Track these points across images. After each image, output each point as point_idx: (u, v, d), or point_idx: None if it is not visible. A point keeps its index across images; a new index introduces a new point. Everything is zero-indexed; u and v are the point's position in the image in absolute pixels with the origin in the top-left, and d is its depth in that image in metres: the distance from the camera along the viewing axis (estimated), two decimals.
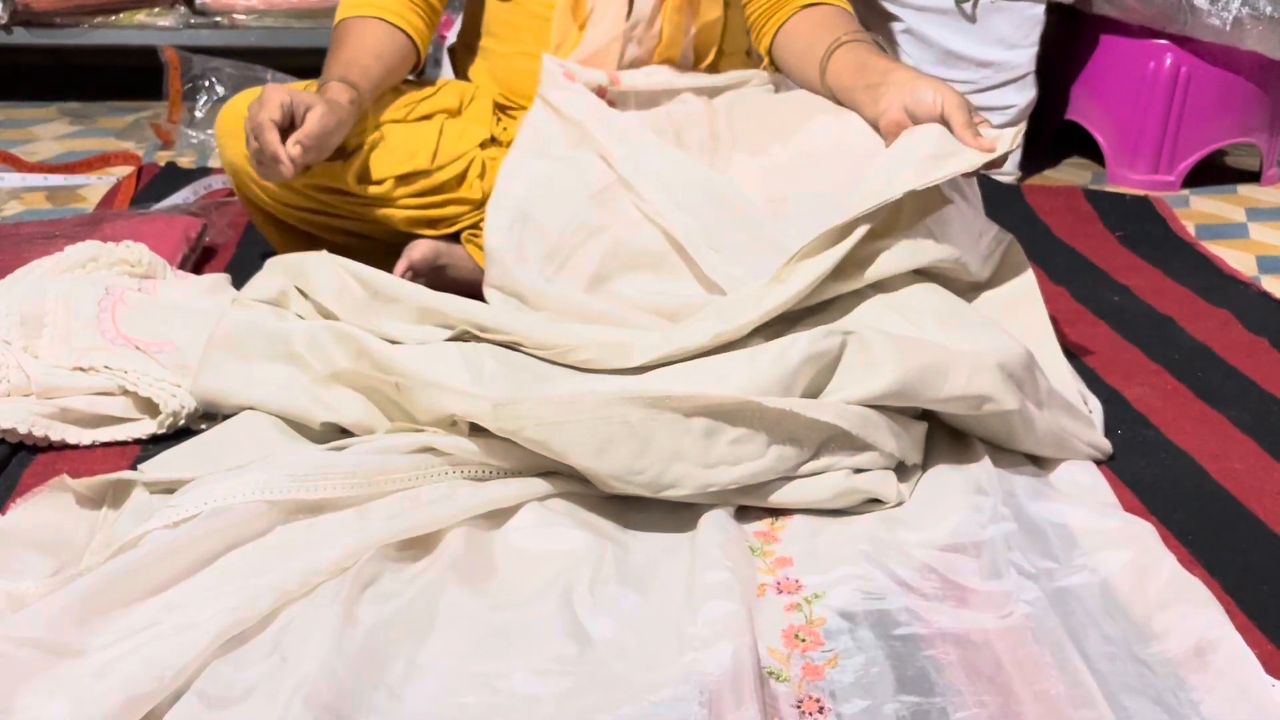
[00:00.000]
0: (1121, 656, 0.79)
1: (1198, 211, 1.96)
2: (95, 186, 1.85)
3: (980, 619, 0.82)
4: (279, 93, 1.14)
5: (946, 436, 1.04)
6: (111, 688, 0.69)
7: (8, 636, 0.71)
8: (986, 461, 0.97)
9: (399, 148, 1.27)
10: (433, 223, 1.30)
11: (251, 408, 1.05)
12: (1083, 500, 0.96)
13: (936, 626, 0.82)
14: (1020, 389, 0.97)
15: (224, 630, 0.75)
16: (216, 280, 1.29)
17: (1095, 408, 1.13)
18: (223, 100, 2.05)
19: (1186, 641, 0.79)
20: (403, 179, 1.27)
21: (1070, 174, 2.19)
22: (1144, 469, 1.05)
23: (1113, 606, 0.84)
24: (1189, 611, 0.81)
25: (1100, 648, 0.80)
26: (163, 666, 0.71)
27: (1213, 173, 2.14)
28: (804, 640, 0.81)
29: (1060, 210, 1.87)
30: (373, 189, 1.26)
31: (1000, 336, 1.01)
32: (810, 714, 0.75)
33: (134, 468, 0.99)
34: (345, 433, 1.02)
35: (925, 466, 1.00)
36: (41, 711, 0.68)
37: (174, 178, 1.86)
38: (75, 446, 1.04)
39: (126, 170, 1.91)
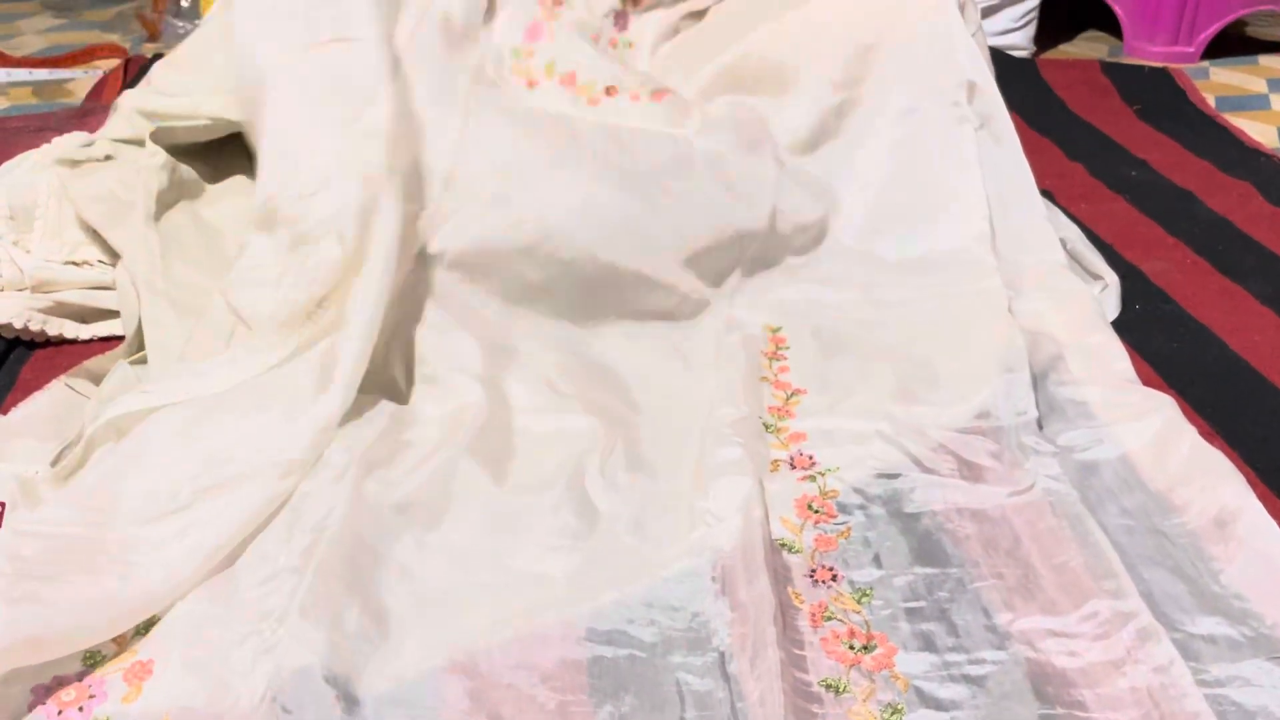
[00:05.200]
0: (1141, 529, 0.78)
1: (1218, 83, 1.90)
2: (82, 81, 1.80)
3: (997, 495, 0.81)
4: None
5: (970, 308, 1.01)
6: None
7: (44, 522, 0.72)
8: (1016, 337, 0.94)
9: None
10: None
11: None
12: (1102, 376, 0.94)
13: (953, 503, 0.81)
14: None
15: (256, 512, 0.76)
16: None
17: (1113, 283, 1.10)
18: None
19: (1207, 513, 0.78)
20: None
21: (1086, 48, 2.12)
22: (1163, 343, 1.03)
23: (1132, 480, 0.82)
24: (1210, 484, 0.80)
25: (1119, 521, 0.79)
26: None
27: (1233, 43, 2.07)
28: (817, 512, 0.81)
29: (1076, 84, 1.82)
30: None
31: None
32: (823, 583, 0.75)
33: None
34: None
35: (950, 336, 0.98)
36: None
37: None
38: (73, 341, 1.02)
39: (113, 63, 1.85)
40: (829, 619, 0.72)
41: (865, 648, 0.70)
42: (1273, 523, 0.76)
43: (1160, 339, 1.04)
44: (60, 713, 0.66)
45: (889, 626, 0.71)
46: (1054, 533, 0.76)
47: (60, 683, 0.67)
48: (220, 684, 0.67)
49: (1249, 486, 0.79)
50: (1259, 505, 0.77)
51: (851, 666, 0.69)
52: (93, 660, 0.69)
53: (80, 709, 0.66)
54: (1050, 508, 0.79)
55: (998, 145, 1.14)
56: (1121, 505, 0.80)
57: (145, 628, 0.71)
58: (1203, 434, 0.85)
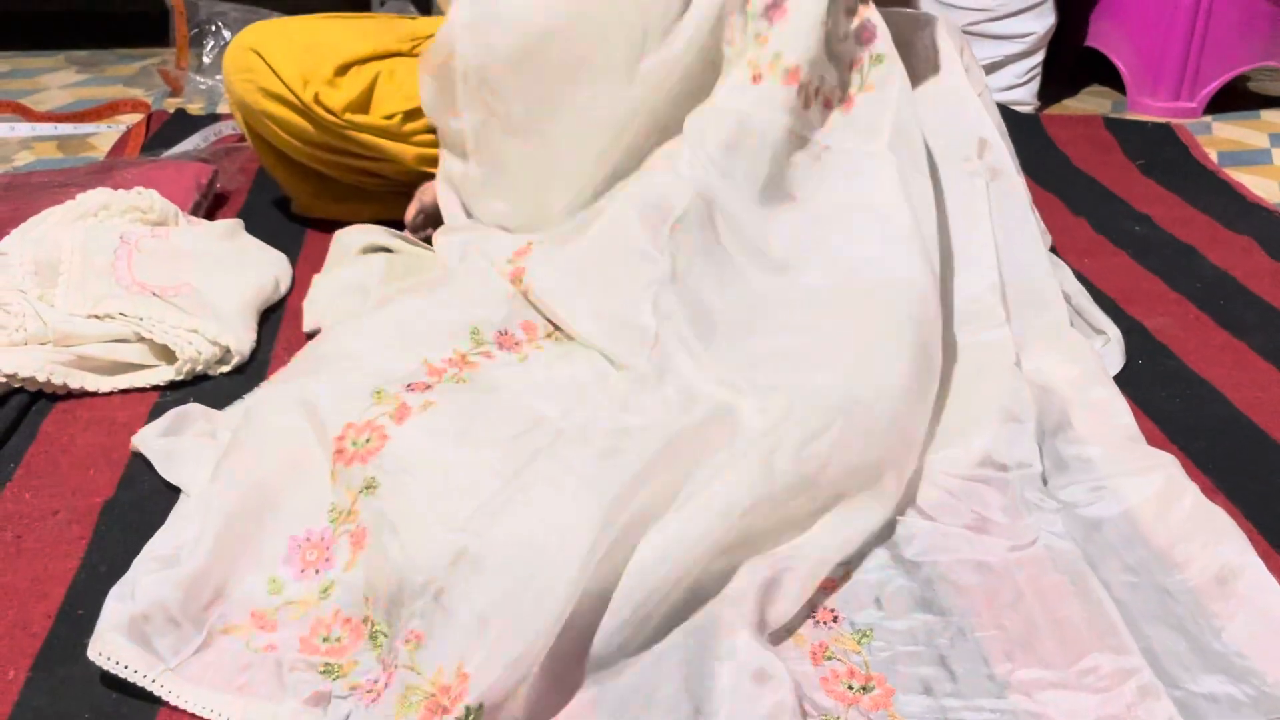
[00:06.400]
0: (1143, 586, 0.79)
1: (1220, 138, 1.93)
2: (105, 135, 1.84)
3: (1000, 547, 0.82)
4: None
5: (975, 360, 1.01)
6: None
7: None
8: (1021, 388, 0.95)
9: (406, 82, 1.25)
10: None
11: None
12: (1105, 432, 0.95)
13: (955, 554, 0.82)
14: None
15: None
16: (230, 226, 1.29)
17: (1115, 337, 1.12)
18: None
19: (1209, 570, 0.79)
20: (410, 114, 1.25)
21: (1090, 103, 2.15)
22: (1165, 399, 1.04)
23: (1134, 537, 0.83)
24: (1211, 541, 0.81)
25: (1121, 577, 0.80)
26: None
27: (1235, 98, 2.10)
28: None
29: (1079, 139, 1.84)
30: (382, 123, 1.25)
31: None
32: (824, 623, 0.76)
33: (153, 414, 0.99)
34: None
35: (954, 387, 0.97)
36: None
37: (184, 124, 1.84)
38: (94, 394, 1.04)
39: (136, 118, 1.90)
40: (829, 658, 0.73)
41: (864, 688, 0.71)
42: (1274, 580, 0.77)
43: (1162, 394, 1.05)
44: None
45: (888, 668, 0.72)
46: (1056, 588, 0.77)
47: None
48: None
49: (1250, 544, 0.80)
50: (1260, 563, 0.78)
51: (850, 706, 0.70)
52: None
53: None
54: (1052, 563, 0.80)
55: (1006, 199, 1.15)
56: (1124, 561, 0.81)
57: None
58: (1205, 490, 0.86)
